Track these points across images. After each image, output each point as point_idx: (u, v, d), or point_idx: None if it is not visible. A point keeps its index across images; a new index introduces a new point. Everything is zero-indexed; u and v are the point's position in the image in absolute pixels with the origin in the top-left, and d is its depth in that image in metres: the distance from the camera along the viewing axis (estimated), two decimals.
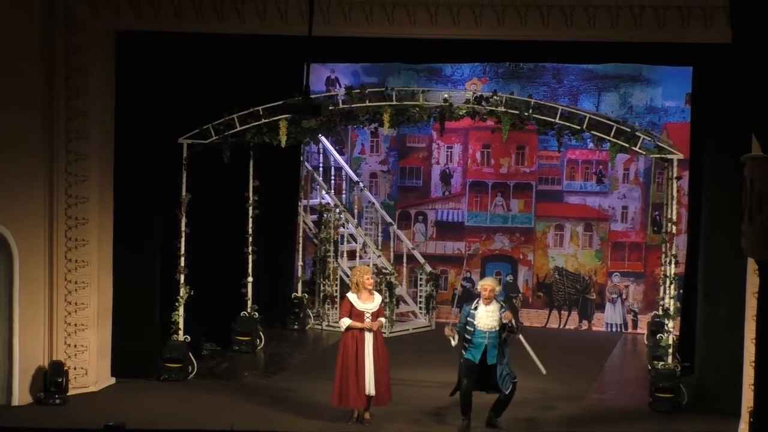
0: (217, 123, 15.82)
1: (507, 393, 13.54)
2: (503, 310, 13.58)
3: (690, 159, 16.32)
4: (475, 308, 13.58)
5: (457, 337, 13.64)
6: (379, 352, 13.75)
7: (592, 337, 19.31)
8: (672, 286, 15.28)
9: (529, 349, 14.29)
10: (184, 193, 15.91)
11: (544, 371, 14.53)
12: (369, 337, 13.72)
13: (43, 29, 14.83)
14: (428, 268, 19.64)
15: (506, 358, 13.59)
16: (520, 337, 14.01)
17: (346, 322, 13.82)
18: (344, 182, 20.25)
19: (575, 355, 17.76)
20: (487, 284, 13.70)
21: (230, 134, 15.85)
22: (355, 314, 13.78)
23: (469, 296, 19.24)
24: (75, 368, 15.20)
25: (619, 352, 18.56)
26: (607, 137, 14.91)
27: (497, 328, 13.47)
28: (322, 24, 13.94)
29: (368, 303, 13.82)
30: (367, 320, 13.72)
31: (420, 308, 19.75)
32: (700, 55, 14.90)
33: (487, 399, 13.83)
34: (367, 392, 13.69)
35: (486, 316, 13.50)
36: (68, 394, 14.93)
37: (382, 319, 14.15)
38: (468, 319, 13.56)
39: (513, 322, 13.57)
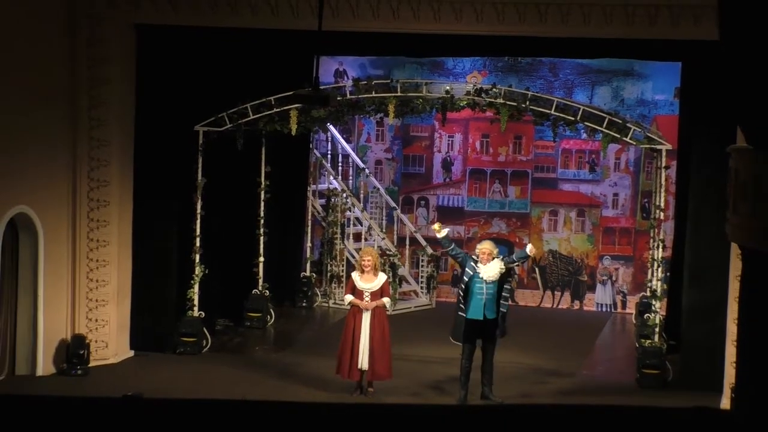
0: (231, 112, 15.80)
1: (488, 356, 13.49)
2: (505, 259, 13.56)
3: (678, 149, 16.30)
4: (475, 268, 13.49)
5: (444, 232, 13.64)
6: (376, 330, 13.77)
7: (583, 317, 19.31)
8: (659, 269, 15.27)
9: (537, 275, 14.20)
10: (199, 177, 15.90)
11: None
12: (366, 315, 13.77)
13: (66, 23, 14.83)
14: (429, 250, 19.63)
15: (505, 309, 13.56)
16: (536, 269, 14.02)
17: (348, 298, 14.00)
18: (351, 169, 20.23)
19: (567, 334, 17.76)
20: (485, 248, 13.60)
21: (243, 122, 15.84)
22: (356, 292, 13.88)
23: None
24: (96, 341, 15.22)
25: (609, 330, 18.55)
26: (600, 128, 14.89)
27: (497, 279, 13.42)
28: (331, 19, 13.92)
29: (368, 283, 13.87)
30: (366, 299, 13.78)
31: (421, 288, 19.75)
32: (688, 52, 14.88)
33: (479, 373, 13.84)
34: (359, 366, 13.75)
35: (487, 270, 13.42)
36: (89, 365, 14.95)
37: (386, 299, 14.11)
38: (468, 270, 13.47)
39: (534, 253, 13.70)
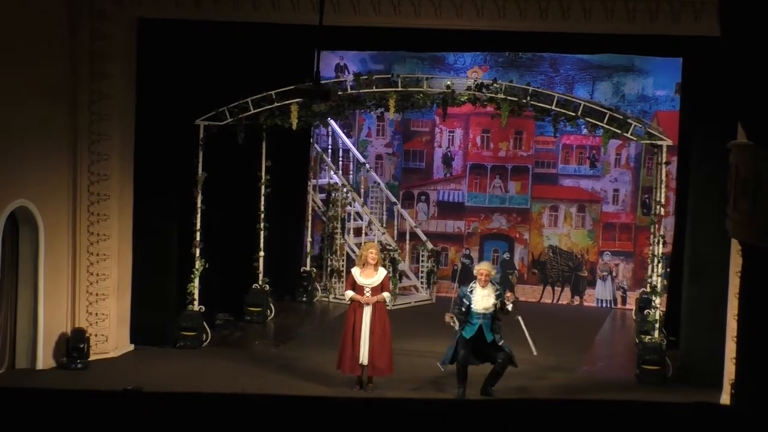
0: (232, 106, 15.80)
1: (501, 361, 13.57)
2: (498, 292, 13.64)
3: (678, 145, 16.30)
4: (471, 291, 13.64)
5: (457, 322, 13.68)
6: (377, 325, 13.79)
7: (583, 312, 19.31)
8: (659, 265, 15.28)
9: (525, 329, 14.28)
10: (200, 171, 15.91)
11: (535, 352, 14.50)
12: (367, 310, 13.80)
13: (68, 17, 14.83)
14: (430, 245, 19.63)
15: (501, 337, 13.65)
16: (519, 318, 14.04)
17: (348, 294, 14.03)
18: (351, 163, 20.23)
19: (567, 329, 17.76)
20: (483, 269, 13.75)
21: (244, 117, 15.84)
22: (357, 288, 13.89)
23: (468, 272, 19.22)
24: (96, 335, 15.23)
25: (609, 326, 18.56)
26: (601, 124, 14.89)
27: (492, 310, 13.53)
28: (332, 13, 13.92)
29: (369, 278, 13.90)
30: (367, 294, 13.80)
31: (421, 283, 19.75)
32: (689, 47, 14.88)
33: (484, 369, 13.86)
34: (360, 361, 13.77)
35: (482, 299, 13.56)
36: (89, 359, 14.97)
37: (386, 294, 14.14)
38: (464, 300, 13.61)
39: (515, 303, 13.69)
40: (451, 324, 13.68)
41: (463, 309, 13.59)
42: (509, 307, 13.69)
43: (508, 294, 13.84)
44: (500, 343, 13.62)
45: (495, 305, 13.55)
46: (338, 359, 13.99)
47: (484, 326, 13.54)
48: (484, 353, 13.70)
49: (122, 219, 15.44)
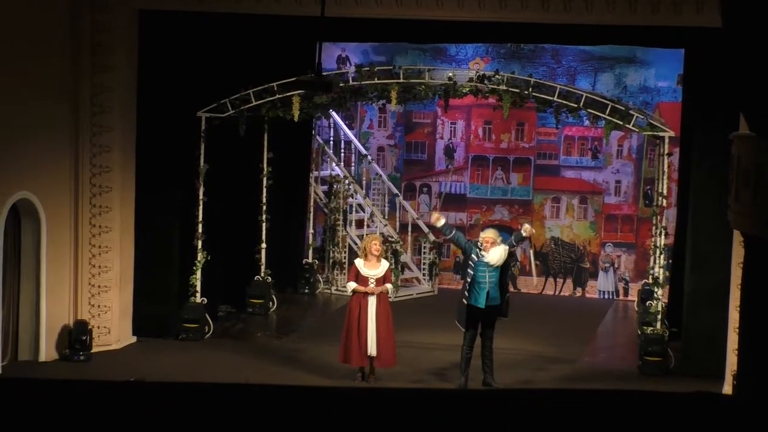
0: (233, 98, 15.81)
1: (487, 342, 13.55)
2: (506, 243, 13.61)
3: (680, 136, 16.30)
4: (480, 256, 13.51)
5: (443, 221, 13.73)
6: (381, 316, 13.79)
7: (585, 304, 19.32)
8: (661, 256, 15.29)
9: (532, 259, 14.22)
10: (201, 163, 15.92)
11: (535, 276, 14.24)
12: (372, 301, 13.78)
13: (70, 9, 14.83)
14: (432, 237, 19.64)
15: (507, 293, 13.61)
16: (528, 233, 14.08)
17: (351, 285, 13.96)
18: (353, 155, 20.24)
19: (569, 321, 17.78)
20: (488, 236, 13.64)
21: (246, 108, 15.85)
22: (361, 279, 13.87)
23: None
24: (98, 327, 15.25)
25: (611, 317, 18.57)
26: (603, 115, 14.89)
27: (500, 265, 13.45)
28: (333, 5, 13.92)
29: (373, 269, 13.89)
30: (371, 285, 13.79)
31: (423, 275, 19.77)
32: (691, 38, 14.86)
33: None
34: (368, 353, 13.77)
35: (490, 255, 13.45)
36: (92, 351, 14.99)
37: (389, 285, 14.16)
38: (473, 256, 13.51)
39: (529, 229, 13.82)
40: (436, 221, 13.75)
41: (470, 263, 13.50)
42: (523, 233, 13.73)
43: (525, 227, 13.91)
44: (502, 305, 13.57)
45: (505, 253, 13.49)
46: (343, 352, 13.95)
47: (491, 291, 13.45)
48: (484, 321, 13.62)
49: (124, 211, 15.46)
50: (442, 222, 13.82)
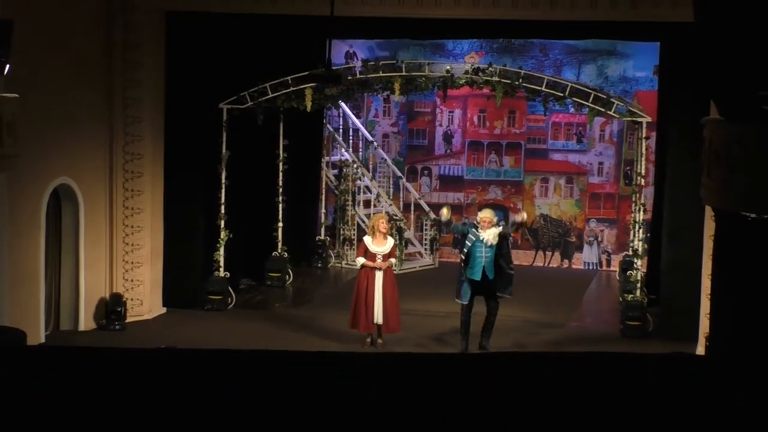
0: (252, 91, 15.79)
1: (492, 309, 13.53)
2: (501, 226, 13.58)
3: (657, 121, 16.27)
4: (477, 236, 13.51)
5: (449, 215, 13.69)
6: (387, 287, 13.80)
7: (572, 274, 19.32)
8: (640, 230, 15.29)
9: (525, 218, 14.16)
10: (224, 150, 15.91)
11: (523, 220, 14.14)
12: (379, 274, 13.79)
13: (103, 11, 14.81)
14: (432, 215, 19.64)
15: (508, 264, 13.58)
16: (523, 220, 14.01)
17: (360, 260, 13.97)
18: (361, 142, 20.21)
19: (557, 290, 17.79)
20: (485, 216, 13.62)
21: (263, 100, 15.83)
22: (369, 255, 13.87)
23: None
24: (132, 299, 15.27)
25: (595, 286, 18.57)
26: (586, 103, 14.87)
27: (495, 244, 13.43)
28: (341, 5, 13.87)
29: (380, 246, 13.89)
30: (378, 260, 13.80)
31: (425, 249, 19.77)
32: (666, 32, 14.82)
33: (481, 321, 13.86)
34: (375, 320, 13.78)
35: (487, 235, 13.44)
36: (126, 321, 15.02)
37: (393, 260, 14.18)
38: (470, 236, 13.49)
39: (524, 219, 13.71)
40: (443, 216, 13.70)
41: (468, 243, 13.47)
42: (518, 219, 13.70)
43: (520, 214, 13.86)
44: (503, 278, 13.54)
45: (500, 234, 13.48)
46: (352, 320, 13.98)
47: (487, 266, 13.45)
48: (484, 292, 13.61)
49: (154, 194, 15.46)
50: (447, 217, 13.74)
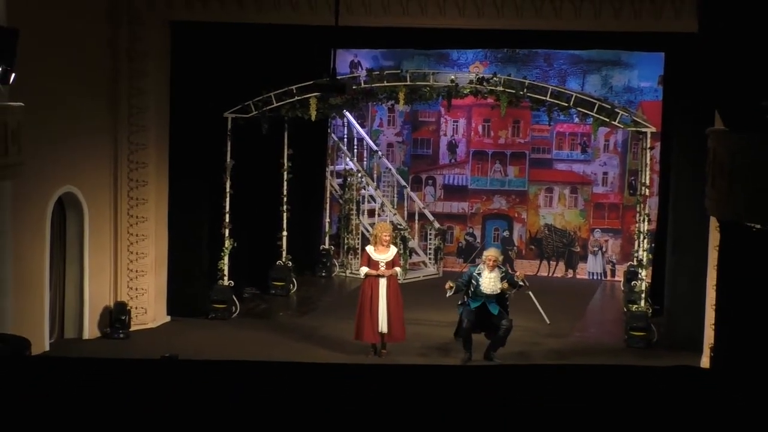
0: (256, 100, 15.80)
1: (505, 327, 13.51)
2: (504, 273, 13.57)
3: (661, 132, 16.26)
4: (479, 273, 13.52)
5: (452, 291, 13.59)
6: (392, 296, 13.77)
7: (576, 284, 19.29)
8: (645, 241, 15.26)
9: (536, 302, 14.21)
10: (228, 159, 15.92)
11: (548, 321, 14.40)
12: (383, 283, 13.76)
13: (109, 21, 14.84)
14: (437, 225, 19.63)
15: (507, 313, 13.58)
16: (530, 293, 13.96)
17: (364, 270, 13.95)
18: (365, 151, 20.21)
19: (561, 299, 17.73)
20: (491, 255, 13.62)
21: (268, 109, 15.84)
22: (372, 264, 13.85)
23: (471, 248, 19.26)
24: (136, 308, 15.26)
25: (599, 296, 18.54)
26: (591, 113, 14.85)
27: (498, 292, 13.45)
28: (346, 15, 13.89)
29: (383, 254, 13.89)
30: (382, 268, 13.78)
31: (429, 258, 19.75)
32: (671, 43, 14.82)
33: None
34: (380, 330, 13.75)
35: (489, 282, 13.45)
36: (130, 329, 15.01)
37: (398, 268, 14.17)
38: (472, 281, 13.51)
39: (524, 281, 13.60)
40: (447, 291, 13.59)
41: (471, 289, 13.49)
42: (521, 283, 13.65)
43: (518, 273, 13.78)
44: (503, 318, 13.52)
45: (501, 288, 13.48)
46: (357, 330, 13.92)
47: (488, 302, 13.49)
48: (488, 324, 13.64)
49: (159, 203, 15.46)
50: (449, 294, 13.69)
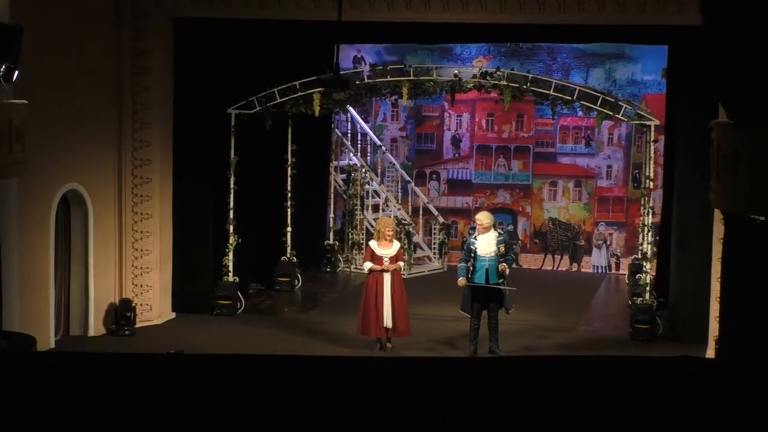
0: (260, 96, 15.81)
1: (493, 313, 13.51)
2: (501, 237, 13.61)
3: (665, 125, 16.25)
4: (475, 238, 13.58)
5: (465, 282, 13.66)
6: (396, 291, 13.79)
7: (580, 278, 19.30)
8: (649, 234, 15.26)
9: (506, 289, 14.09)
10: (232, 155, 15.93)
11: (510, 311, 14.06)
12: (387, 278, 13.78)
13: (113, 18, 14.85)
14: (441, 219, 19.64)
15: (506, 281, 13.59)
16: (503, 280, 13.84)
17: (367, 265, 13.97)
18: (369, 146, 20.22)
19: (566, 293, 17.76)
20: (479, 219, 13.73)
21: (271, 105, 15.84)
22: (376, 259, 13.86)
23: None
24: (141, 305, 15.29)
25: (604, 290, 18.55)
26: (594, 106, 14.85)
27: (495, 254, 13.46)
28: (349, 10, 13.89)
29: (386, 249, 13.90)
30: (386, 263, 13.79)
31: (434, 253, 19.77)
32: (674, 36, 14.81)
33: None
34: (384, 324, 13.77)
35: (485, 244, 13.48)
36: (135, 326, 15.03)
37: (401, 263, 14.19)
38: (471, 247, 13.56)
39: (506, 272, 13.59)
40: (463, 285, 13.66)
41: (471, 255, 13.52)
42: (506, 272, 13.64)
43: (501, 266, 13.70)
44: (503, 288, 13.50)
45: (498, 250, 13.48)
46: (361, 325, 13.95)
47: (490, 270, 13.46)
48: (488, 299, 13.61)
49: (163, 199, 15.48)
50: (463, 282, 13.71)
